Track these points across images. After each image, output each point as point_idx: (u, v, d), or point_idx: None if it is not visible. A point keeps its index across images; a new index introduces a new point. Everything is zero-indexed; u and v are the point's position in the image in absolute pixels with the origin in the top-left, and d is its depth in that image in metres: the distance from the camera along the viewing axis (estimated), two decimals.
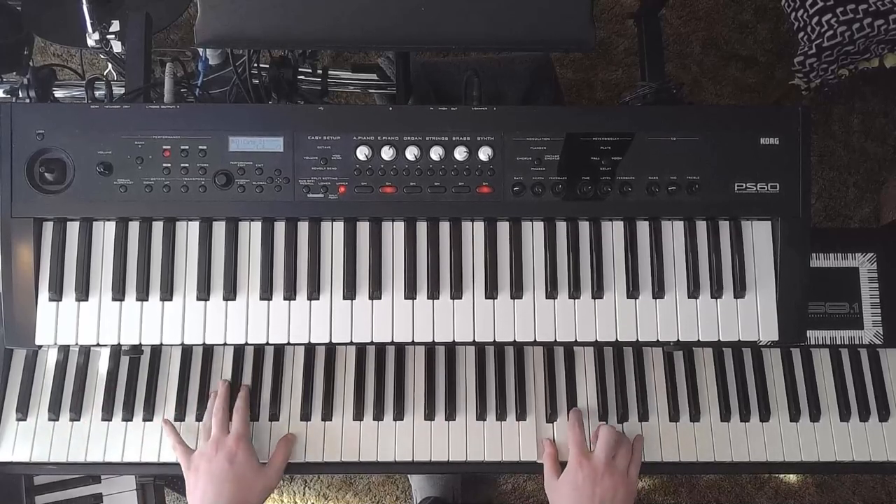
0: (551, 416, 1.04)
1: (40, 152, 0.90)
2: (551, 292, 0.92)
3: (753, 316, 0.93)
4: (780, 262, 0.93)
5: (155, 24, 1.02)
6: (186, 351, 1.05)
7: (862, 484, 1.90)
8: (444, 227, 0.93)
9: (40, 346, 0.92)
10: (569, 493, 0.94)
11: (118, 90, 1.07)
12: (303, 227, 0.93)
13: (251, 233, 0.93)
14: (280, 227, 0.93)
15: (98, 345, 0.92)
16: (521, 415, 1.03)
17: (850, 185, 2.07)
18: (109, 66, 1.37)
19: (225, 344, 0.93)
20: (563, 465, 0.98)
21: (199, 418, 1.02)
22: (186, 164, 0.90)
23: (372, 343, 0.92)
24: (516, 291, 0.92)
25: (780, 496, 1.90)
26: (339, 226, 0.93)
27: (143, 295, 0.91)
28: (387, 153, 0.90)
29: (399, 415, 1.03)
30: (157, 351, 1.05)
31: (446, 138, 0.91)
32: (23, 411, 1.02)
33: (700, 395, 1.06)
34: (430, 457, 1.02)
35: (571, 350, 1.07)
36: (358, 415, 1.03)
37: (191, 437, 1.02)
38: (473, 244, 0.93)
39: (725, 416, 1.05)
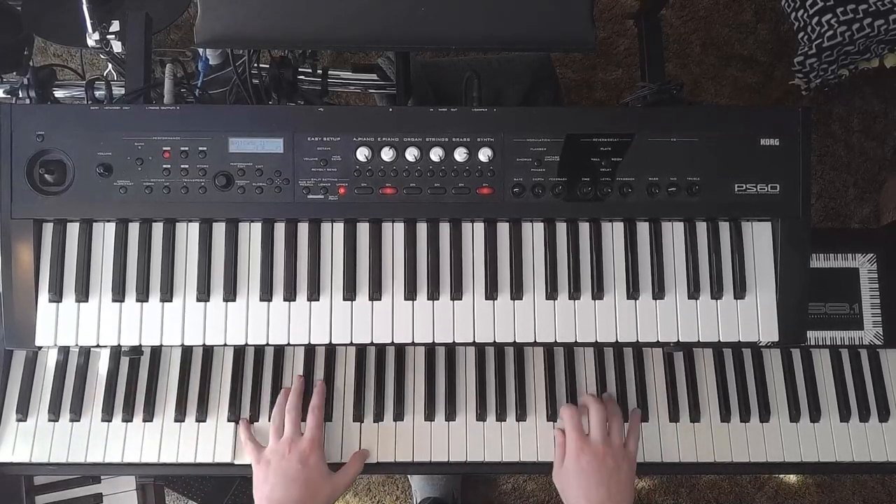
0: (551, 417, 1.04)
1: (40, 153, 0.90)
2: (551, 293, 0.92)
3: (753, 316, 0.93)
4: (781, 263, 0.93)
5: (155, 24, 1.02)
6: (186, 352, 1.05)
7: (862, 484, 1.90)
8: (445, 228, 0.93)
9: (40, 347, 0.92)
10: (576, 480, 0.94)
11: (118, 91, 1.07)
12: (303, 229, 0.93)
13: (251, 234, 0.93)
14: (280, 228, 0.93)
15: (98, 346, 0.92)
16: (521, 415, 1.04)
17: (850, 185, 2.07)
18: (109, 66, 1.37)
19: (225, 345, 0.93)
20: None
21: (198, 419, 1.02)
22: (186, 165, 0.90)
23: (372, 344, 0.92)
24: (516, 292, 0.92)
25: (780, 496, 1.90)
26: (339, 227, 0.93)
27: (143, 296, 0.91)
28: (387, 154, 0.90)
29: (399, 415, 1.03)
30: (157, 352, 1.05)
31: (446, 139, 0.91)
32: (23, 412, 1.02)
33: (700, 396, 1.06)
34: (430, 457, 1.02)
35: (571, 351, 1.07)
36: (358, 415, 1.03)
37: (191, 438, 1.02)
38: (473, 245, 0.93)
39: (725, 416, 1.05)
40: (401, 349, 1.06)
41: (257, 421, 1.03)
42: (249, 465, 1.00)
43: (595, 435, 0.97)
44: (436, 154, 0.91)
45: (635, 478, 0.97)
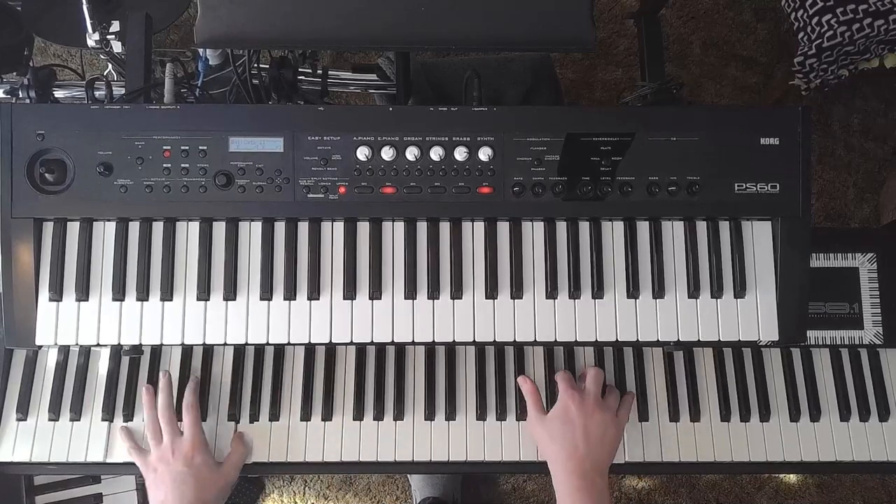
0: None
1: (40, 153, 0.90)
2: (551, 292, 0.92)
3: (753, 316, 0.93)
4: (781, 263, 0.93)
5: (155, 24, 1.02)
6: (186, 351, 1.05)
7: (862, 484, 1.90)
8: (445, 228, 0.93)
9: (40, 347, 0.92)
10: (559, 427, 0.94)
11: (118, 90, 1.07)
12: (303, 228, 0.93)
13: (251, 233, 0.93)
14: (280, 228, 0.93)
15: (98, 345, 0.92)
16: (522, 415, 1.03)
17: (850, 185, 2.07)
18: (109, 66, 1.37)
19: (225, 344, 0.93)
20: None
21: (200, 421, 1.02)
22: (186, 165, 0.90)
23: (372, 343, 0.92)
24: (516, 291, 0.92)
25: (780, 496, 1.90)
26: (339, 226, 0.93)
27: (143, 295, 0.91)
28: (387, 153, 0.90)
29: (399, 415, 1.03)
30: (157, 351, 1.05)
31: (446, 138, 0.91)
32: (23, 411, 1.02)
33: (700, 395, 1.06)
34: (430, 457, 1.02)
35: (571, 350, 1.07)
36: (358, 415, 1.03)
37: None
38: (473, 244, 0.93)
39: (725, 416, 1.05)
40: (401, 348, 1.06)
41: (257, 421, 1.03)
42: (249, 465, 1.00)
43: (590, 388, 0.96)
44: (436, 153, 0.91)
45: (618, 447, 0.96)
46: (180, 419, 0.99)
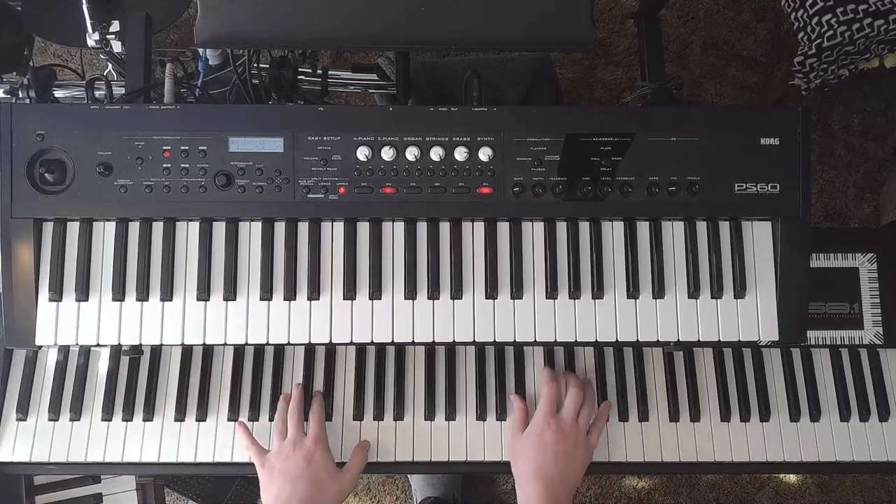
0: None
1: (40, 153, 0.90)
2: (551, 292, 0.92)
3: (753, 316, 0.93)
4: (781, 263, 0.93)
5: (155, 24, 1.02)
6: (186, 351, 1.05)
7: (862, 484, 1.90)
8: (445, 228, 0.93)
9: (40, 347, 0.92)
10: (533, 449, 0.96)
11: (118, 90, 1.07)
12: (303, 228, 0.93)
13: (251, 233, 0.93)
14: (280, 228, 0.93)
15: (98, 345, 0.92)
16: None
17: (850, 185, 2.07)
18: (109, 66, 1.37)
19: (225, 344, 0.93)
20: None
21: (199, 418, 1.02)
22: (186, 165, 0.90)
23: (372, 343, 0.92)
24: (516, 291, 0.92)
25: (780, 496, 1.90)
26: (339, 226, 0.93)
27: (143, 295, 0.91)
28: (387, 153, 0.90)
29: (399, 415, 1.03)
30: (157, 351, 1.05)
31: (446, 138, 0.91)
32: (23, 411, 1.02)
33: (700, 395, 1.06)
34: (430, 457, 1.02)
35: (571, 350, 1.07)
36: (358, 415, 1.03)
37: (191, 437, 1.02)
38: (473, 244, 0.93)
39: (725, 416, 1.05)
40: (401, 349, 1.06)
41: (257, 421, 1.03)
42: (250, 465, 1.00)
43: (566, 413, 0.98)
44: (436, 153, 0.91)
45: (586, 467, 0.98)
46: None
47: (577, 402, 0.99)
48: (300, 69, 1.22)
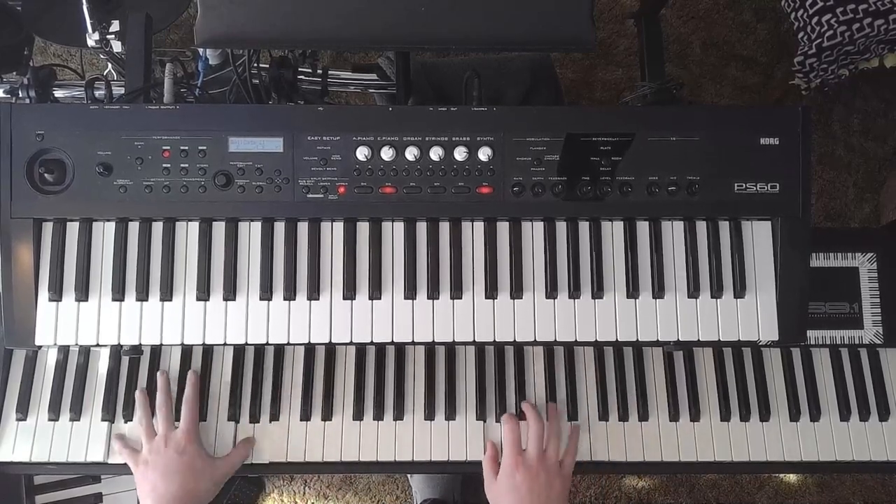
0: None
1: (40, 153, 0.90)
2: (551, 292, 0.92)
3: (753, 316, 0.93)
4: (781, 263, 0.93)
5: (155, 24, 1.02)
6: (186, 351, 1.05)
7: (862, 484, 1.90)
8: (444, 228, 0.93)
9: (40, 347, 0.92)
10: (506, 495, 0.95)
11: (118, 90, 1.07)
12: (302, 228, 0.93)
13: (251, 233, 0.93)
14: (280, 228, 0.93)
15: (98, 345, 0.92)
16: (522, 414, 1.03)
17: (850, 185, 2.07)
18: (109, 66, 1.37)
19: (225, 344, 0.93)
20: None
21: (199, 418, 1.02)
22: (186, 165, 0.90)
23: (372, 343, 0.92)
24: (516, 291, 0.92)
25: (780, 496, 1.90)
26: (338, 226, 0.93)
27: (142, 295, 0.91)
28: (386, 153, 0.90)
29: (399, 415, 1.03)
30: (157, 351, 1.05)
31: (446, 138, 0.91)
32: (23, 411, 1.02)
33: (700, 395, 1.06)
34: (430, 457, 1.02)
35: (571, 350, 1.07)
36: (358, 415, 1.03)
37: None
38: (473, 244, 0.93)
39: (725, 416, 1.05)
40: (401, 348, 1.06)
41: (257, 422, 1.03)
42: (250, 465, 1.00)
43: (531, 451, 0.97)
44: (436, 153, 0.91)
45: (568, 496, 0.98)
46: (177, 419, 0.99)
47: (538, 436, 0.98)
48: (300, 69, 1.22)
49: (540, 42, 0.93)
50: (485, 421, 1.03)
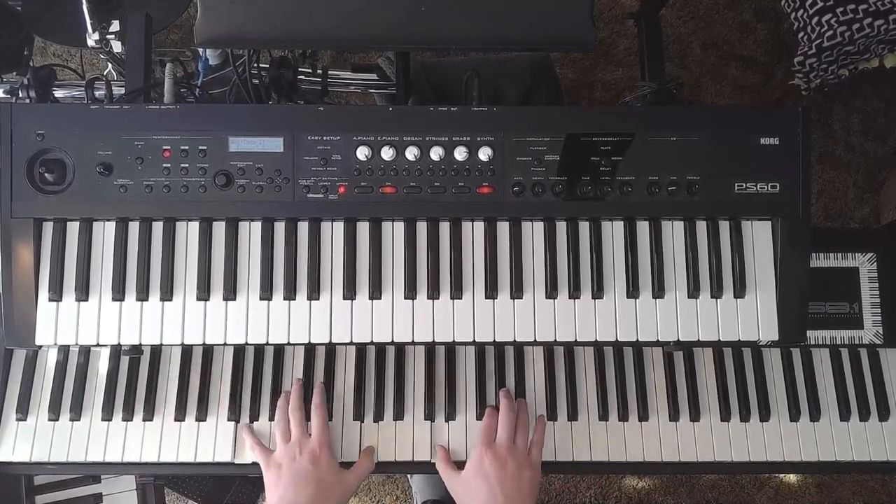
0: (551, 416, 1.04)
1: (40, 152, 0.90)
2: (551, 292, 0.92)
3: (753, 316, 0.93)
4: (780, 263, 0.93)
5: (155, 24, 1.02)
6: (186, 351, 1.05)
7: (862, 484, 1.90)
8: (444, 228, 0.93)
9: (40, 347, 0.92)
10: (477, 483, 0.95)
11: (118, 90, 1.07)
12: (303, 228, 0.93)
13: (251, 233, 0.93)
14: (280, 228, 0.93)
15: (98, 345, 0.92)
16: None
17: (850, 185, 2.07)
18: (109, 66, 1.37)
19: (225, 344, 0.93)
20: (457, 464, 0.99)
21: (199, 418, 1.02)
22: (186, 165, 0.90)
23: (372, 343, 0.92)
24: (516, 291, 0.92)
25: (780, 496, 1.90)
26: (339, 226, 0.93)
27: (143, 295, 0.91)
28: (387, 153, 0.90)
29: (399, 414, 1.03)
30: (157, 351, 1.05)
31: (446, 138, 0.91)
32: (23, 411, 1.02)
33: (700, 395, 1.06)
34: (430, 457, 1.02)
35: (571, 350, 1.07)
36: (358, 415, 1.03)
37: (191, 437, 1.02)
38: (473, 244, 0.93)
39: (725, 416, 1.05)
40: (401, 348, 1.06)
41: (257, 420, 1.03)
42: (250, 465, 1.00)
43: (500, 439, 0.97)
44: (436, 153, 0.91)
45: (538, 486, 0.98)
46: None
47: (509, 426, 0.98)
48: (300, 69, 1.23)
49: (540, 42, 0.93)
50: None
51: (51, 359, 1.04)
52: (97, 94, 1.12)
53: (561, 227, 0.93)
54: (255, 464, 1.01)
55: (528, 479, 0.95)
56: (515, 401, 1.03)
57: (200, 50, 1.35)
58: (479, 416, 1.03)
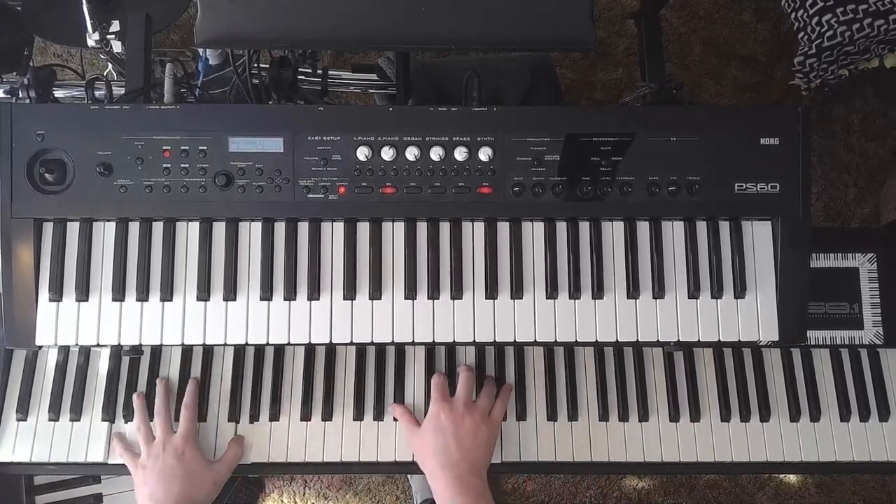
0: (551, 416, 1.04)
1: (40, 153, 0.90)
2: (551, 293, 0.92)
3: (753, 316, 0.93)
4: (781, 263, 0.93)
5: (155, 24, 1.02)
6: (186, 351, 1.05)
7: (862, 484, 1.90)
8: (445, 228, 0.93)
9: (40, 347, 0.92)
10: (432, 438, 0.95)
11: (118, 90, 1.07)
12: (303, 228, 0.93)
13: (251, 233, 0.93)
14: (280, 228, 0.93)
15: (98, 345, 0.92)
16: (522, 415, 1.04)
17: (850, 185, 2.07)
18: (109, 66, 1.37)
19: (225, 344, 0.93)
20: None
21: (199, 419, 1.02)
22: (186, 165, 0.90)
23: (372, 343, 0.92)
24: (516, 292, 0.92)
25: (780, 496, 1.90)
26: (339, 226, 0.93)
27: (143, 295, 0.91)
28: (387, 153, 0.90)
29: None
30: (157, 351, 1.05)
31: (446, 138, 0.91)
32: (23, 411, 1.02)
33: (700, 395, 1.06)
34: None
35: (571, 350, 1.07)
36: (358, 415, 1.03)
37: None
38: (473, 244, 0.93)
39: (725, 416, 1.05)
40: (401, 349, 1.06)
41: (257, 420, 1.03)
42: (250, 465, 1.01)
43: (459, 395, 0.98)
44: (436, 153, 0.91)
45: (495, 444, 0.99)
46: (176, 420, 1.00)
47: (468, 384, 0.99)
48: (300, 69, 1.23)
49: (540, 42, 0.93)
50: None
51: (51, 359, 1.04)
52: (97, 94, 1.12)
53: (561, 228, 0.93)
54: (256, 464, 1.02)
55: (485, 437, 0.96)
56: (486, 377, 1.04)
57: (200, 50, 1.35)
58: None
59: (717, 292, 0.93)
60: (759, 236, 0.94)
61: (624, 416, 1.04)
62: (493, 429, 0.98)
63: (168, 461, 0.95)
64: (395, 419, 1.03)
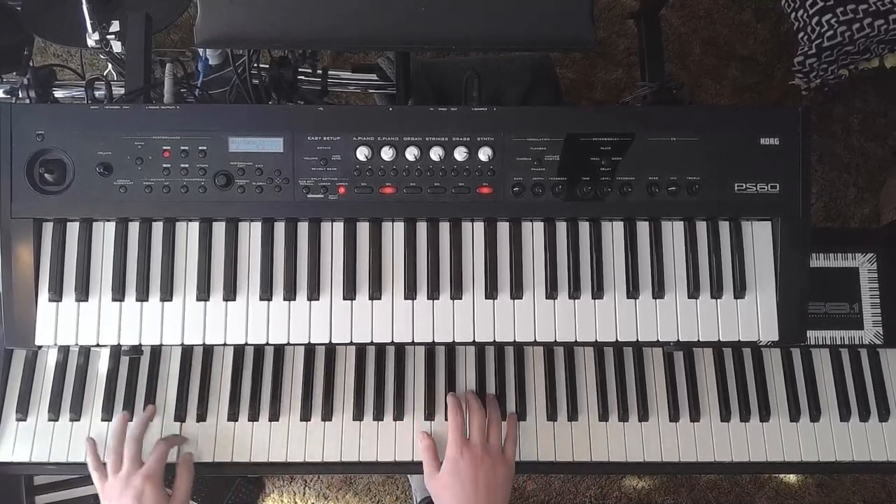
0: (551, 416, 1.04)
1: (40, 153, 0.90)
2: (551, 293, 0.92)
3: (753, 316, 0.93)
4: (780, 263, 0.93)
5: (155, 24, 1.02)
6: (186, 351, 1.05)
7: (862, 484, 1.90)
8: (444, 228, 0.93)
9: (40, 347, 0.92)
10: (452, 483, 0.95)
11: (118, 90, 1.07)
12: (303, 228, 0.93)
13: (251, 233, 0.93)
14: (280, 228, 0.93)
15: (98, 345, 0.92)
16: (522, 415, 1.04)
17: (850, 185, 2.07)
18: (109, 66, 1.37)
19: (225, 344, 0.93)
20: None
21: (199, 418, 1.02)
22: (186, 165, 0.90)
23: (372, 343, 0.92)
24: (516, 292, 0.92)
25: (780, 496, 1.90)
26: (339, 226, 0.93)
27: (142, 295, 0.91)
28: (387, 153, 0.90)
29: (399, 415, 1.03)
30: (157, 351, 1.05)
31: (446, 139, 0.91)
32: (23, 411, 1.02)
33: (700, 395, 1.06)
34: None
35: (571, 350, 1.07)
36: (358, 415, 1.03)
37: (191, 437, 1.02)
38: (473, 244, 0.93)
39: (725, 416, 1.05)
40: (401, 349, 1.06)
41: (257, 421, 1.03)
42: (250, 465, 1.01)
43: (474, 439, 0.97)
44: (436, 153, 0.91)
45: (512, 482, 0.99)
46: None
47: (481, 423, 0.98)
48: (300, 69, 1.23)
49: (540, 42, 0.93)
50: None
51: (51, 359, 1.04)
52: (97, 94, 1.12)
53: (561, 228, 0.93)
54: (256, 464, 1.02)
55: (503, 477, 0.96)
56: (486, 396, 1.03)
57: (200, 50, 1.35)
58: None
59: (716, 292, 0.93)
60: (759, 236, 0.94)
61: (624, 417, 1.04)
62: (510, 468, 0.98)
63: (126, 501, 0.93)
64: (418, 442, 1.02)
